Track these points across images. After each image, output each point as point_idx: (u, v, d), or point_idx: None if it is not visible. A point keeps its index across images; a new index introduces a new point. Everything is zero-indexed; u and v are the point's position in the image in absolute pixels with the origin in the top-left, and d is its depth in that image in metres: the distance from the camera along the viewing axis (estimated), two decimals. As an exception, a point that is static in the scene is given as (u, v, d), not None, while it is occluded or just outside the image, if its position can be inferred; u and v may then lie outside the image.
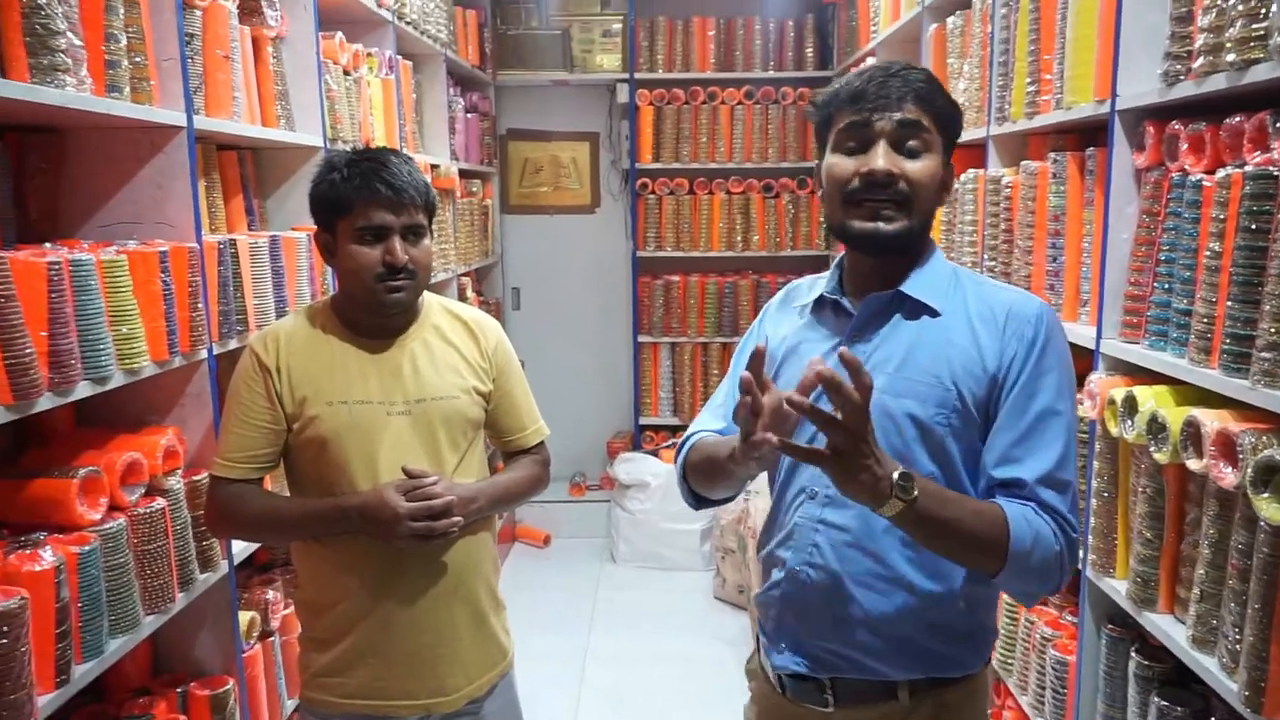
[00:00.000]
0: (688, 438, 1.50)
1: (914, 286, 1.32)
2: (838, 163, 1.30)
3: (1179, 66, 1.60)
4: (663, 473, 4.43)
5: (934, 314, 1.31)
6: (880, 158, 1.25)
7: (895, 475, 1.11)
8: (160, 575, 1.81)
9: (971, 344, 1.28)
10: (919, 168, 1.27)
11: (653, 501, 4.41)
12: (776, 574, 1.39)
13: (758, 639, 1.49)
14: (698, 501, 1.49)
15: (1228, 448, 1.40)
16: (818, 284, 1.44)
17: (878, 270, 1.34)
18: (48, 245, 1.64)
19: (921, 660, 1.31)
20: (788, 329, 1.44)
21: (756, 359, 1.19)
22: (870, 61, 3.72)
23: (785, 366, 1.39)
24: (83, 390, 1.58)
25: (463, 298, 3.99)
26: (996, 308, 1.30)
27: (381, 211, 1.60)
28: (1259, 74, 1.36)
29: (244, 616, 2.16)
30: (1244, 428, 1.38)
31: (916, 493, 1.12)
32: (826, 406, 1.10)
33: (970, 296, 1.32)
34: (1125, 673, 1.81)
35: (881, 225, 1.27)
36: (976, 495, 1.28)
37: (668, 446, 4.73)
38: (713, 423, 1.50)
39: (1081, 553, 1.90)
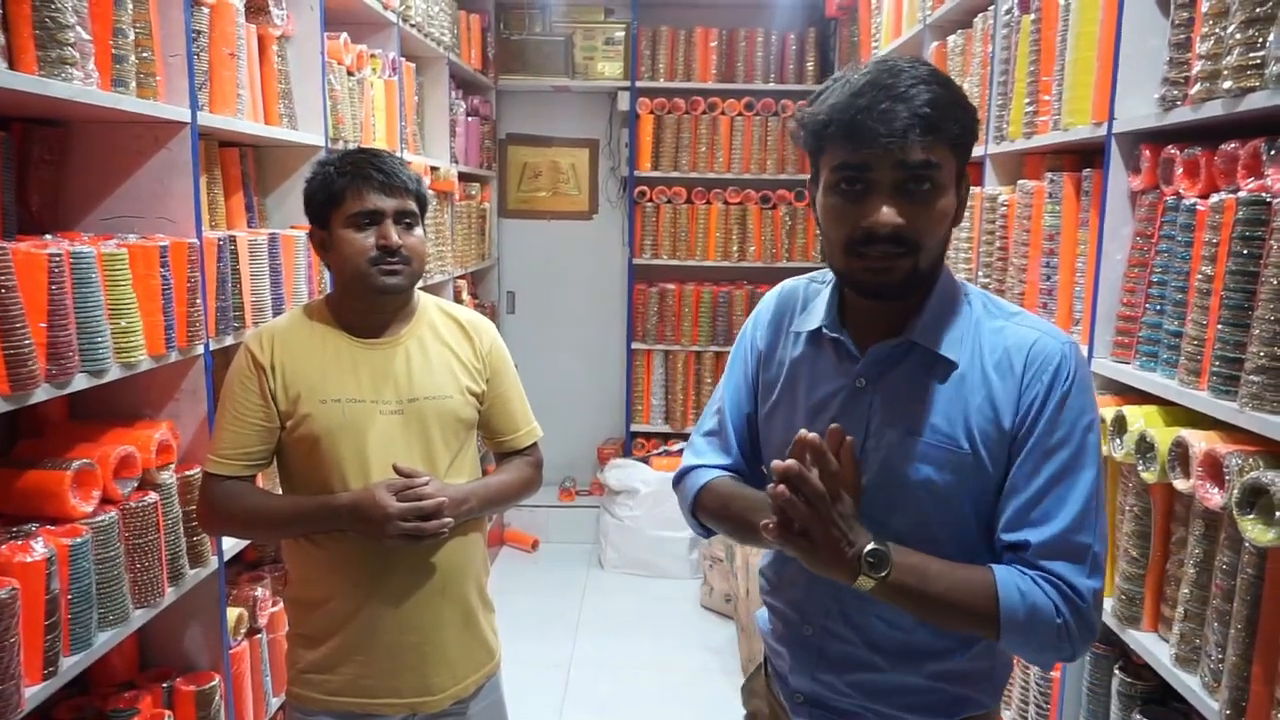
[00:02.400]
0: (691, 468, 1.40)
1: (925, 333, 1.18)
2: (835, 207, 1.13)
3: (1176, 92, 1.62)
4: (653, 480, 4.43)
5: (951, 364, 1.18)
6: (883, 213, 1.09)
7: (865, 550, 1.07)
8: (150, 569, 1.81)
9: (986, 400, 1.16)
10: (927, 211, 1.10)
11: (642, 508, 4.42)
12: (788, 612, 1.33)
13: (766, 659, 1.44)
14: (708, 533, 1.41)
15: (1215, 469, 1.42)
16: (814, 306, 1.29)
17: (882, 310, 1.20)
18: (48, 237, 1.65)
19: (922, 707, 1.26)
20: (783, 353, 1.32)
21: (799, 448, 1.09)
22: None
23: (781, 400, 1.30)
24: (80, 382, 1.59)
25: (458, 300, 4.00)
26: (1014, 351, 1.16)
27: (374, 195, 1.62)
28: (1255, 101, 1.38)
29: (232, 613, 2.16)
30: (1231, 449, 1.40)
31: (888, 570, 1.08)
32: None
33: (986, 338, 1.18)
34: (1109, 690, 1.82)
35: (885, 279, 1.13)
36: (991, 552, 1.19)
37: (659, 454, 4.74)
38: (715, 456, 1.39)
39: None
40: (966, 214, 2.52)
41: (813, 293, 1.32)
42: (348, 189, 1.62)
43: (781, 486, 1.07)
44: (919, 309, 1.19)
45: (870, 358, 1.21)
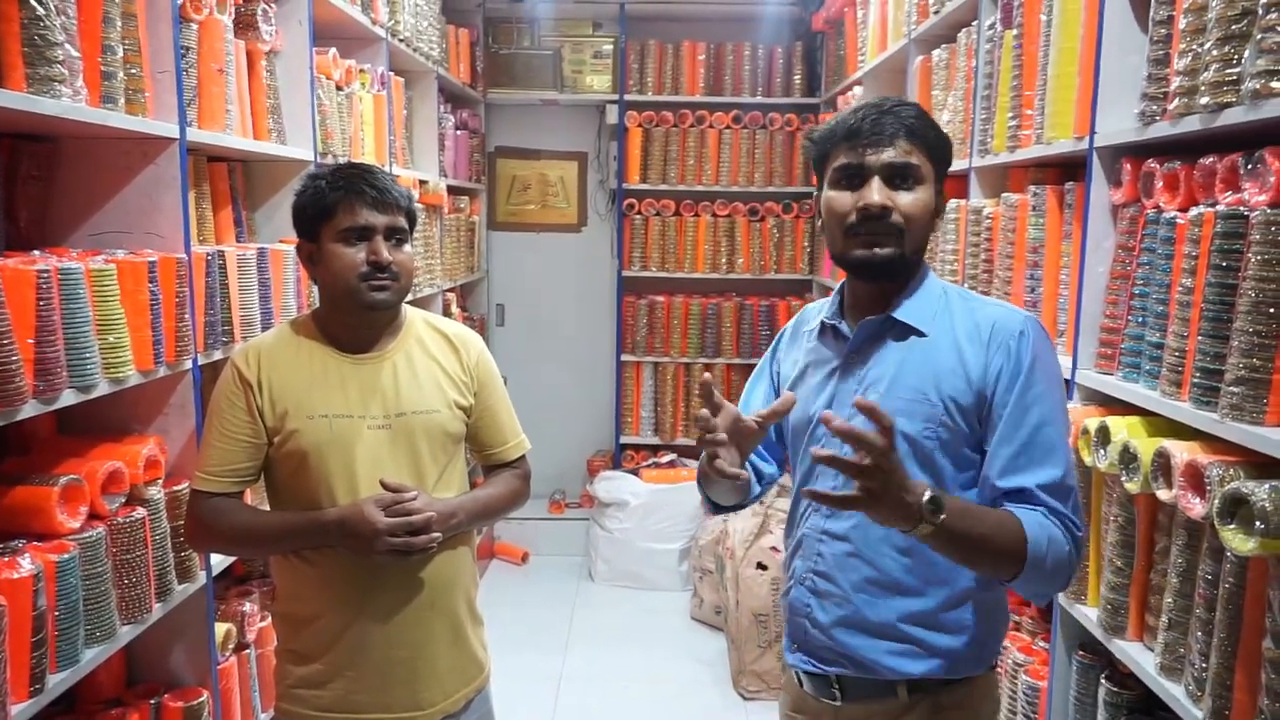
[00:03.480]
0: None
1: (904, 311, 1.41)
2: (836, 197, 1.39)
3: (1155, 107, 1.65)
4: (643, 492, 4.44)
5: (921, 335, 1.40)
6: (875, 193, 1.34)
7: (925, 499, 1.17)
8: (138, 585, 1.80)
9: (957, 361, 1.36)
10: (911, 200, 1.36)
11: (632, 521, 4.42)
12: (789, 580, 1.52)
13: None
14: (715, 509, 1.61)
15: (1196, 479, 1.43)
16: (822, 310, 1.54)
17: (873, 295, 1.44)
18: (37, 253, 1.65)
19: (917, 661, 1.40)
20: (798, 353, 1.56)
21: (705, 386, 1.34)
22: (857, 90, 3.78)
23: (795, 385, 1.52)
24: (68, 398, 1.59)
25: (447, 313, 4.00)
26: (982, 323, 1.38)
27: (366, 211, 1.63)
28: (1231, 117, 1.40)
29: (220, 628, 2.16)
30: (1212, 459, 1.41)
31: (945, 514, 1.18)
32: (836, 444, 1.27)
33: (958, 315, 1.40)
34: (1095, 699, 1.83)
35: (877, 252, 1.37)
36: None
37: (648, 465, 4.74)
38: None
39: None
40: (953, 226, 2.58)
41: (824, 305, 1.57)
42: (340, 203, 1.62)
43: (827, 451, 1.16)
44: (902, 292, 1.42)
45: (858, 332, 1.44)
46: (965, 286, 2.49)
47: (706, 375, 1.37)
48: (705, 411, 1.35)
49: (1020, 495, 1.32)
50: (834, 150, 1.40)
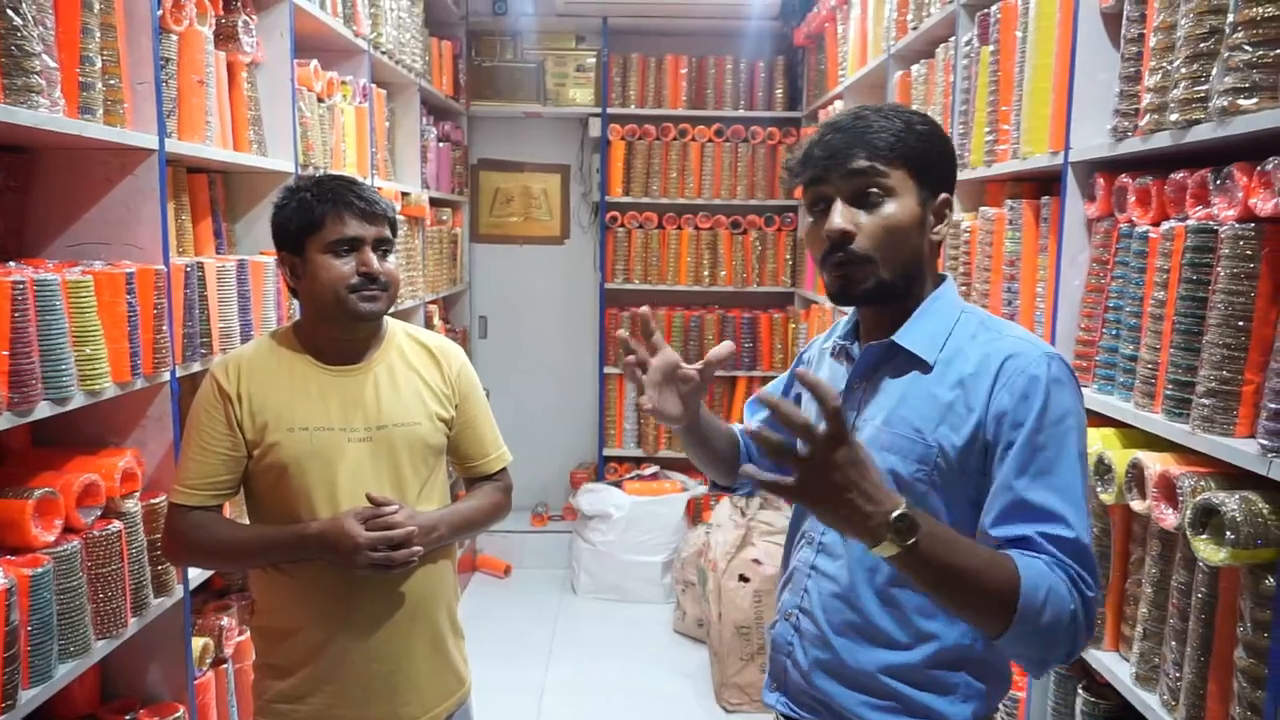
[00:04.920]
0: None
1: (908, 335, 1.26)
2: (808, 229, 1.29)
3: (1127, 123, 1.67)
4: (625, 504, 4.43)
5: (926, 366, 1.24)
6: (836, 216, 1.21)
7: (893, 514, 1.00)
8: (113, 599, 1.78)
9: (960, 399, 1.20)
10: (874, 221, 1.21)
11: (615, 533, 4.41)
12: (777, 613, 1.40)
13: None
14: (713, 485, 1.57)
15: (1169, 490, 1.45)
16: (840, 328, 1.42)
17: (880, 318, 1.30)
18: (13, 264, 1.64)
19: (897, 718, 1.26)
20: (818, 370, 1.45)
21: (635, 323, 1.26)
22: (838, 105, 3.81)
23: (807, 409, 1.37)
24: (43, 410, 1.57)
25: (430, 325, 3.99)
26: (993, 356, 1.20)
27: (355, 222, 1.62)
28: (1200, 133, 1.43)
29: (197, 643, 2.14)
30: (1184, 470, 1.43)
31: (917, 537, 1.01)
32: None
33: (970, 344, 1.23)
34: (1073, 710, 1.84)
35: (848, 285, 1.24)
36: None
37: (631, 478, 4.74)
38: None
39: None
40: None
41: (845, 321, 1.44)
42: (328, 215, 1.62)
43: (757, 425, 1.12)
44: (909, 314, 1.27)
45: (861, 357, 1.32)
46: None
47: (645, 309, 1.33)
48: (624, 333, 1.29)
49: (1021, 544, 1.13)
50: (798, 179, 1.29)
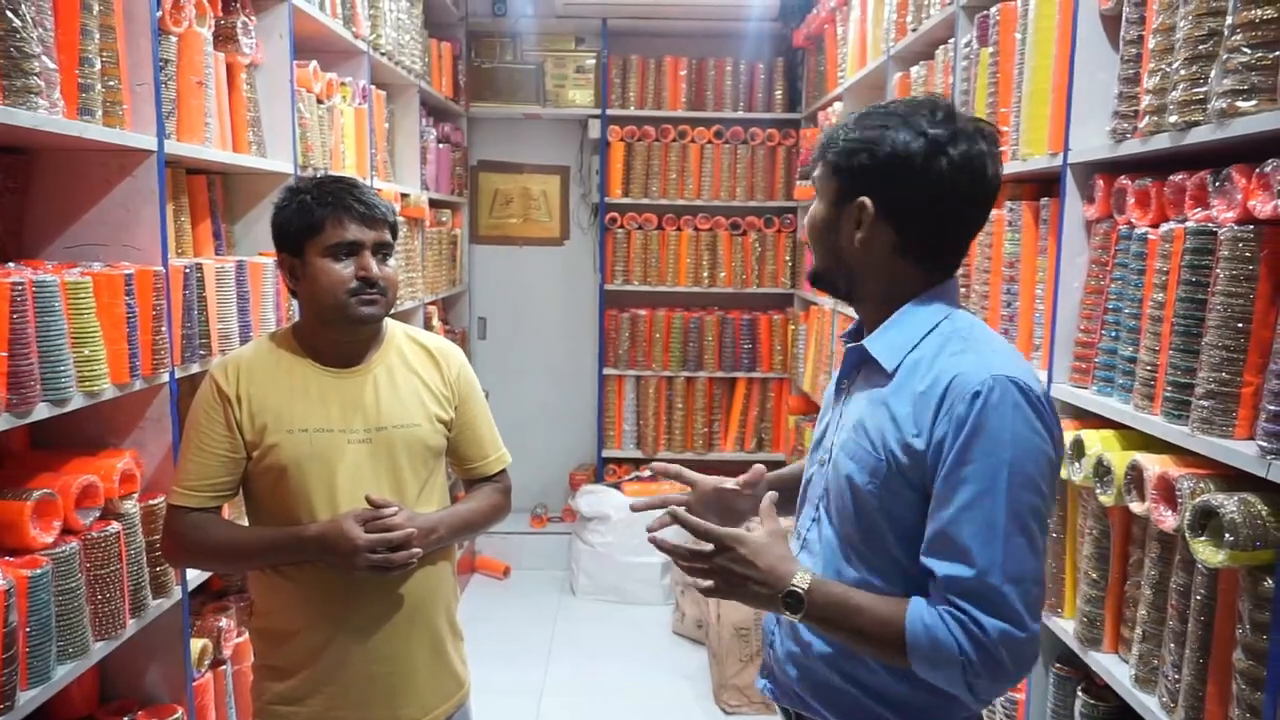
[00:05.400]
0: None
1: (875, 341, 1.26)
2: None
3: (1126, 124, 1.67)
4: (624, 506, 4.42)
5: (888, 375, 1.23)
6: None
7: (783, 594, 1.18)
8: (112, 601, 1.78)
9: (909, 416, 1.18)
10: (809, 215, 1.31)
11: (614, 535, 4.41)
12: None
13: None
14: None
15: (1168, 492, 1.45)
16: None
17: (867, 318, 1.31)
18: (11, 265, 1.64)
19: (850, 713, 1.28)
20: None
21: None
22: (837, 106, 3.82)
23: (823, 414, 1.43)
24: (41, 411, 1.57)
25: (429, 326, 3.99)
26: (941, 377, 1.17)
27: (356, 227, 1.62)
28: (1199, 135, 1.43)
29: (196, 644, 2.13)
30: (1183, 472, 1.43)
31: (804, 609, 1.18)
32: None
33: (931, 358, 1.20)
34: (1072, 712, 1.84)
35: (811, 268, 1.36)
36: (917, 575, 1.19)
37: (630, 479, 4.73)
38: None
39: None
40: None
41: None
42: (328, 219, 1.62)
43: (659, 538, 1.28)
44: (886, 318, 1.26)
45: (845, 357, 1.34)
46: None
47: (657, 466, 1.49)
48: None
49: (932, 579, 1.15)
50: None
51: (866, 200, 1.22)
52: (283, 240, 1.67)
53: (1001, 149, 2.13)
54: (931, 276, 1.26)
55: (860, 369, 1.31)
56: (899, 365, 1.22)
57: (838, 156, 1.24)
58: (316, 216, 1.62)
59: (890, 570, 1.22)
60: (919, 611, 1.14)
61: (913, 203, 1.21)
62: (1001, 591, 1.10)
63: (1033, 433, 1.13)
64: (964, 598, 1.11)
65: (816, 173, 1.28)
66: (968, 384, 1.14)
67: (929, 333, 1.23)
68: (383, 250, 1.67)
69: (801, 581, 1.18)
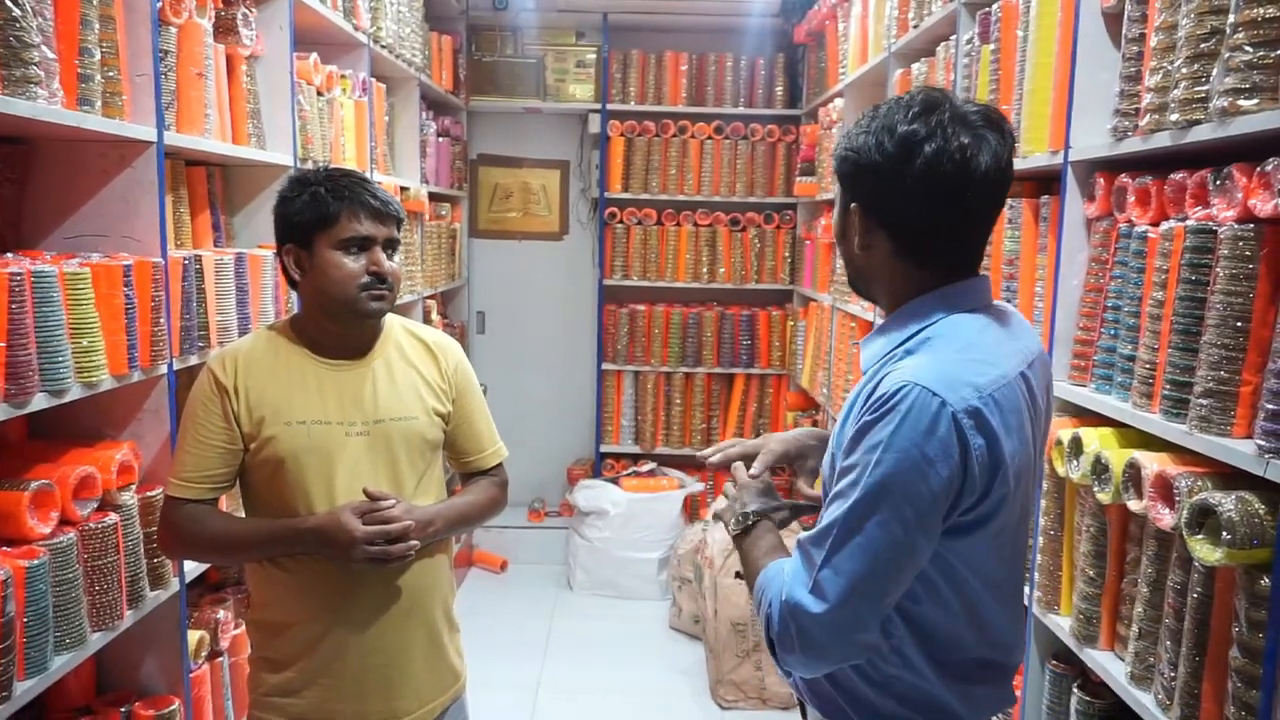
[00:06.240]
0: None
1: (866, 344, 1.28)
2: None
3: (1127, 122, 1.67)
4: (622, 501, 4.43)
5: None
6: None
7: (743, 510, 1.35)
8: (109, 591, 1.78)
9: (844, 418, 1.21)
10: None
11: (611, 530, 4.41)
12: None
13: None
14: None
15: (1166, 490, 1.45)
16: None
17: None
18: (10, 256, 1.63)
19: (832, 713, 1.28)
20: None
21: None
22: (838, 103, 3.81)
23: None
24: (39, 402, 1.57)
25: (428, 320, 3.99)
26: (875, 382, 1.16)
27: (370, 222, 1.63)
28: (1200, 134, 1.43)
29: (193, 636, 2.14)
30: (1181, 470, 1.43)
31: (743, 535, 1.33)
32: None
33: (887, 366, 1.18)
34: (1068, 709, 1.84)
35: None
36: None
37: (628, 474, 4.74)
38: None
39: (1028, 589, 1.94)
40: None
41: None
42: (343, 212, 1.62)
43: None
44: (887, 319, 1.28)
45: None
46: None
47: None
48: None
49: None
50: None
51: (857, 207, 1.23)
52: (289, 231, 1.66)
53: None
54: (941, 276, 1.22)
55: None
56: (865, 370, 1.25)
57: (836, 165, 1.28)
58: (331, 209, 1.62)
59: None
60: (778, 568, 1.24)
61: (892, 206, 1.20)
62: (820, 575, 1.13)
63: (913, 446, 1.08)
64: (801, 549, 1.18)
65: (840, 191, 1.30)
66: (885, 389, 1.12)
67: (909, 339, 1.20)
68: (391, 246, 1.67)
69: (759, 515, 1.34)
